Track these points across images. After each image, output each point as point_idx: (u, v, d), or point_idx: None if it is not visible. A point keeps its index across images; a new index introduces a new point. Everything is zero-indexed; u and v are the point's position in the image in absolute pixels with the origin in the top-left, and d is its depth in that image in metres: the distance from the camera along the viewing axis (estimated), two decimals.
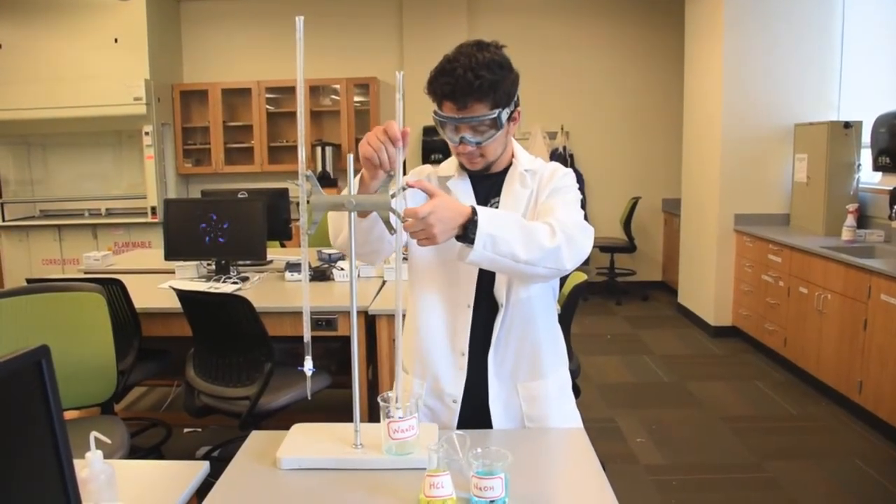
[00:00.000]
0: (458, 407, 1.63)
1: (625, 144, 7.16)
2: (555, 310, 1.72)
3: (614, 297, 6.81)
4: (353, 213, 1.40)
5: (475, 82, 1.45)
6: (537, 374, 1.64)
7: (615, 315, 6.31)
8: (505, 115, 1.51)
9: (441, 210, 1.33)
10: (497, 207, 1.60)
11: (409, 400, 1.43)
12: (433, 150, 6.73)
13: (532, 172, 1.62)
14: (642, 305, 6.67)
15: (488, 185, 1.64)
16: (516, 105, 1.55)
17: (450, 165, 1.69)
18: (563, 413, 1.68)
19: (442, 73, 1.49)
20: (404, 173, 1.46)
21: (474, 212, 1.37)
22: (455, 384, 1.62)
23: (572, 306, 3.11)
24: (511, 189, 1.61)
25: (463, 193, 1.63)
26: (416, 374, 1.67)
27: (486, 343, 1.61)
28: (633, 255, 7.07)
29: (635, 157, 7.18)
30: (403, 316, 1.52)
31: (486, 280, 1.60)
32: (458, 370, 1.61)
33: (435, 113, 1.54)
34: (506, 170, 1.64)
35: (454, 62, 1.47)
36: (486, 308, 1.60)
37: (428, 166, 1.75)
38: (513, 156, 1.65)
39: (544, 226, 1.44)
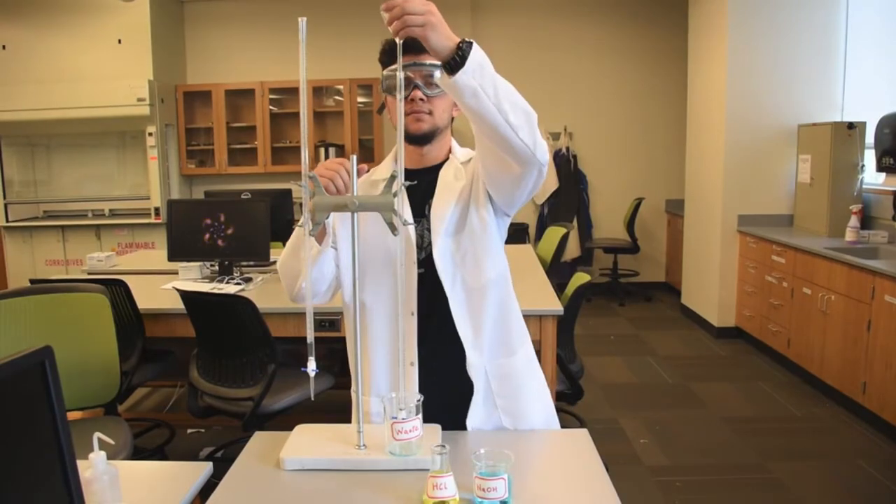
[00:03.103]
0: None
1: (628, 145, 7.16)
2: (508, 285, 1.63)
3: (617, 298, 6.80)
4: (355, 215, 1.40)
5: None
6: (505, 350, 1.59)
7: (618, 316, 6.30)
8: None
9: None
10: (431, 207, 1.57)
11: (413, 400, 1.43)
12: None
13: (466, 164, 1.60)
14: (645, 306, 6.66)
15: (423, 184, 1.58)
16: None
17: (384, 167, 1.65)
18: (533, 390, 1.65)
19: (392, 41, 1.46)
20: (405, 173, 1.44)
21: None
22: (409, 395, 1.57)
23: (575, 307, 3.10)
24: (445, 183, 1.57)
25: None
26: (374, 393, 1.60)
27: (442, 342, 1.54)
28: (636, 256, 7.06)
29: (638, 158, 7.17)
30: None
31: (428, 285, 1.55)
32: (410, 382, 1.54)
33: (384, 77, 1.50)
34: (440, 165, 1.61)
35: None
36: (434, 310, 1.55)
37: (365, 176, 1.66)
38: (449, 150, 1.63)
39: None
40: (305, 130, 1.35)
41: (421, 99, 1.50)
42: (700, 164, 5.83)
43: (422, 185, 1.58)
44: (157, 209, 6.47)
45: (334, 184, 1.39)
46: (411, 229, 1.55)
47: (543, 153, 1.38)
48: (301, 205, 1.39)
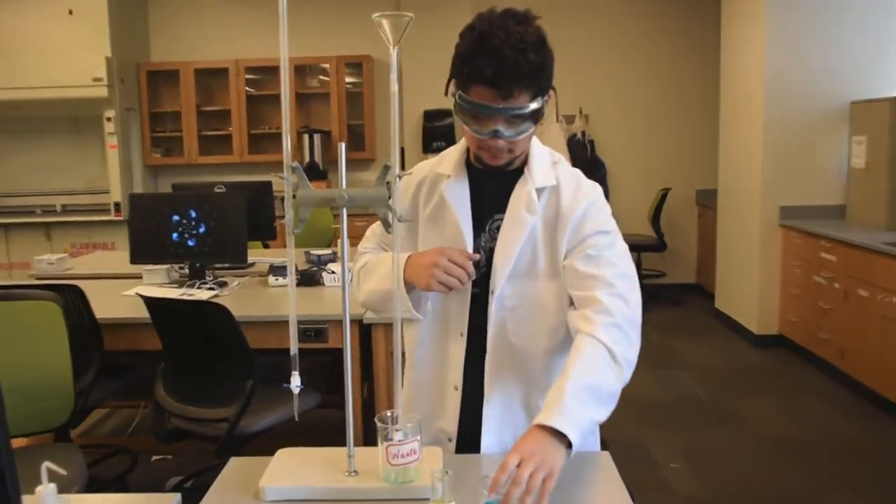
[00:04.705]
0: (453, 445, 1.65)
1: (653, 128, 7.15)
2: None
3: (642, 301, 6.77)
4: (344, 210, 1.39)
5: (525, 66, 1.39)
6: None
7: (643, 323, 6.26)
8: (544, 103, 1.48)
9: (531, 444, 1.32)
10: (499, 230, 1.59)
11: (411, 420, 1.41)
12: (435, 136, 6.72)
13: (545, 193, 1.59)
14: (674, 311, 6.66)
15: (491, 189, 1.61)
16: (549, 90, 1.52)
17: (450, 160, 1.66)
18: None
19: (482, 51, 1.39)
20: (402, 162, 1.46)
21: (552, 428, 1.35)
22: (449, 421, 1.64)
23: None
24: (516, 213, 1.58)
25: (458, 201, 1.60)
26: (409, 411, 1.68)
27: (483, 377, 1.62)
28: (662, 254, 7.05)
29: (665, 142, 7.16)
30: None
31: (481, 308, 1.61)
32: (451, 406, 1.63)
33: (460, 98, 1.46)
34: (516, 170, 1.60)
35: (493, 38, 1.38)
36: (484, 339, 1.61)
37: (429, 162, 1.72)
38: (527, 154, 1.63)
39: (604, 360, 1.46)
40: (287, 115, 1.35)
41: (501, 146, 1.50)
42: (736, 148, 5.82)
43: (488, 189, 1.61)
44: (117, 205, 6.47)
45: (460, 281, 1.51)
46: (468, 243, 1.58)
47: (634, 358, 1.53)
48: (283, 199, 1.39)
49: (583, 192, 1.58)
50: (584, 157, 6.95)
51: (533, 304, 1.58)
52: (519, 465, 1.26)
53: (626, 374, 1.48)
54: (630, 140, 7.16)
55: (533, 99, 1.44)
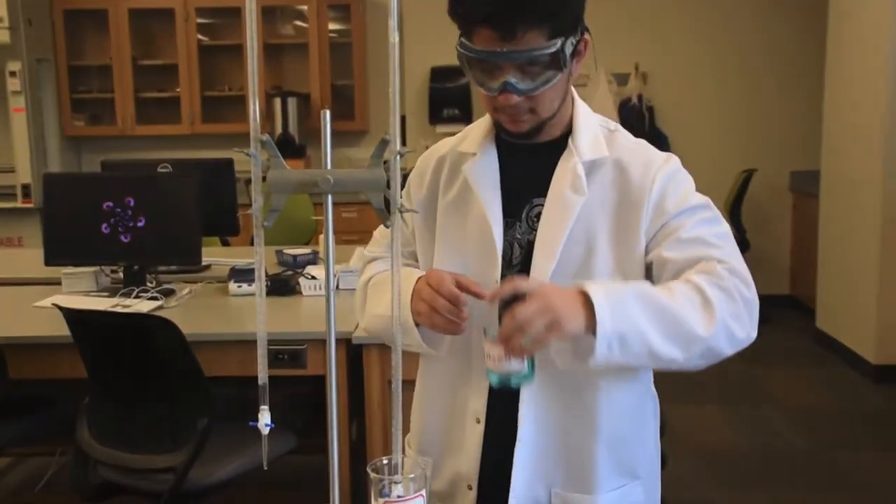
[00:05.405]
0: (473, 495, 1.66)
1: (731, 93, 7.15)
2: (641, 391, 1.72)
3: None
4: (329, 197, 1.39)
5: None
6: (586, 485, 1.64)
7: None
8: (569, 47, 1.49)
9: (545, 285, 1.43)
10: (539, 218, 1.61)
11: (417, 469, 1.41)
12: (446, 101, 6.74)
13: (600, 170, 1.61)
14: (761, 331, 6.51)
15: (528, 168, 1.64)
16: (583, 32, 1.53)
17: (475, 136, 1.69)
18: None
19: None
20: (402, 135, 1.46)
21: (586, 294, 1.42)
22: (468, 462, 1.66)
23: None
24: (559, 195, 1.61)
25: (484, 184, 1.63)
26: (418, 449, 1.74)
27: (514, 407, 1.63)
28: (743, 255, 6.98)
29: (748, 111, 7.17)
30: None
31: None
32: (472, 443, 1.65)
33: (461, 45, 1.52)
34: (558, 143, 1.63)
35: None
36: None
37: (450, 139, 1.76)
38: (570, 122, 1.64)
39: (692, 297, 1.47)
40: (255, 71, 1.33)
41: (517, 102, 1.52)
42: (846, 120, 5.82)
43: (524, 169, 1.64)
44: (25, 187, 6.50)
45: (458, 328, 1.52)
46: (497, 235, 1.60)
47: (737, 344, 1.53)
48: (248, 183, 1.38)
49: (655, 165, 1.60)
50: (641, 127, 6.96)
51: None
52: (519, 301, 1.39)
53: (718, 325, 1.46)
54: (702, 107, 7.17)
55: (550, 40, 1.45)
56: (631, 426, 1.67)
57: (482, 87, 1.53)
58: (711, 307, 1.45)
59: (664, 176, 1.58)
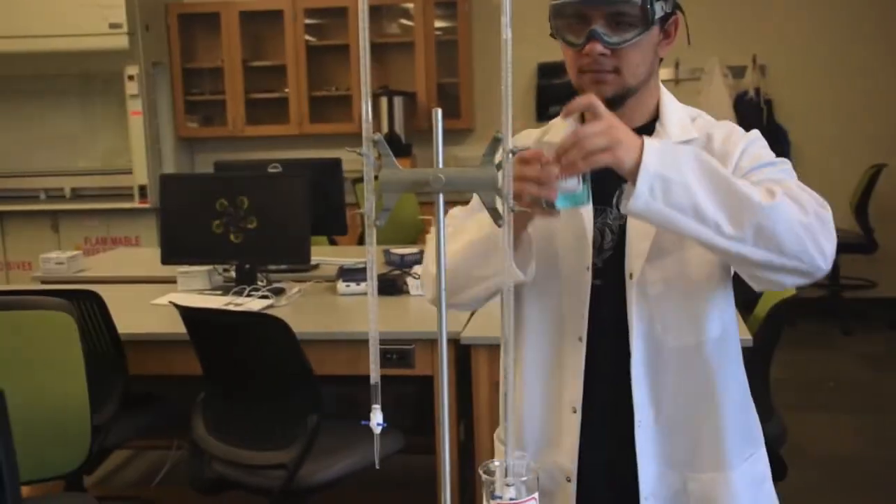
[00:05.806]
0: (573, 487, 1.66)
1: (857, 84, 6.93)
2: (738, 352, 1.72)
3: (840, 322, 6.62)
4: (440, 196, 1.38)
5: None
6: (715, 462, 1.64)
7: (842, 350, 6.16)
8: (658, 10, 1.51)
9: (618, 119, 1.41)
10: (629, 200, 1.60)
11: (523, 469, 1.39)
12: (552, 98, 6.68)
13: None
14: (889, 337, 6.47)
15: None
16: (675, 7, 1.56)
17: (560, 126, 1.70)
18: None
19: None
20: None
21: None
22: (566, 454, 1.67)
23: (772, 336, 3.01)
24: None
25: None
26: (521, 446, 1.73)
27: (621, 394, 1.63)
28: (871, 256, 6.80)
29: (877, 102, 6.94)
30: None
31: (608, 303, 1.63)
32: (569, 434, 1.66)
33: (552, 6, 1.55)
34: (644, 130, 1.61)
35: None
36: (613, 344, 1.64)
37: (534, 131, 1.79)
38: (657, 110, 1.65)
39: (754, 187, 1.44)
40: (367, 70, 1.33)
41: (602, 54, 1.52)
42: None
43: None
44: (142, 188, 6.61)
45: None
46: (587, 221, 1.61)
47: (824, 251, 1.42)
48: (356, 182, 1.38)
49: (737, 135, 1.62)
50: (759, 121, 6.80)
51: (687, 285, 1.62)
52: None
53: (776, 208, 1.40)
54: (825, 100, 6.97)
55: None
56: (739, 389, 1.69)
57: (568, 43, 1.55)
58: (774, 193, 1.41)
59: (745, 142, 1.59)
